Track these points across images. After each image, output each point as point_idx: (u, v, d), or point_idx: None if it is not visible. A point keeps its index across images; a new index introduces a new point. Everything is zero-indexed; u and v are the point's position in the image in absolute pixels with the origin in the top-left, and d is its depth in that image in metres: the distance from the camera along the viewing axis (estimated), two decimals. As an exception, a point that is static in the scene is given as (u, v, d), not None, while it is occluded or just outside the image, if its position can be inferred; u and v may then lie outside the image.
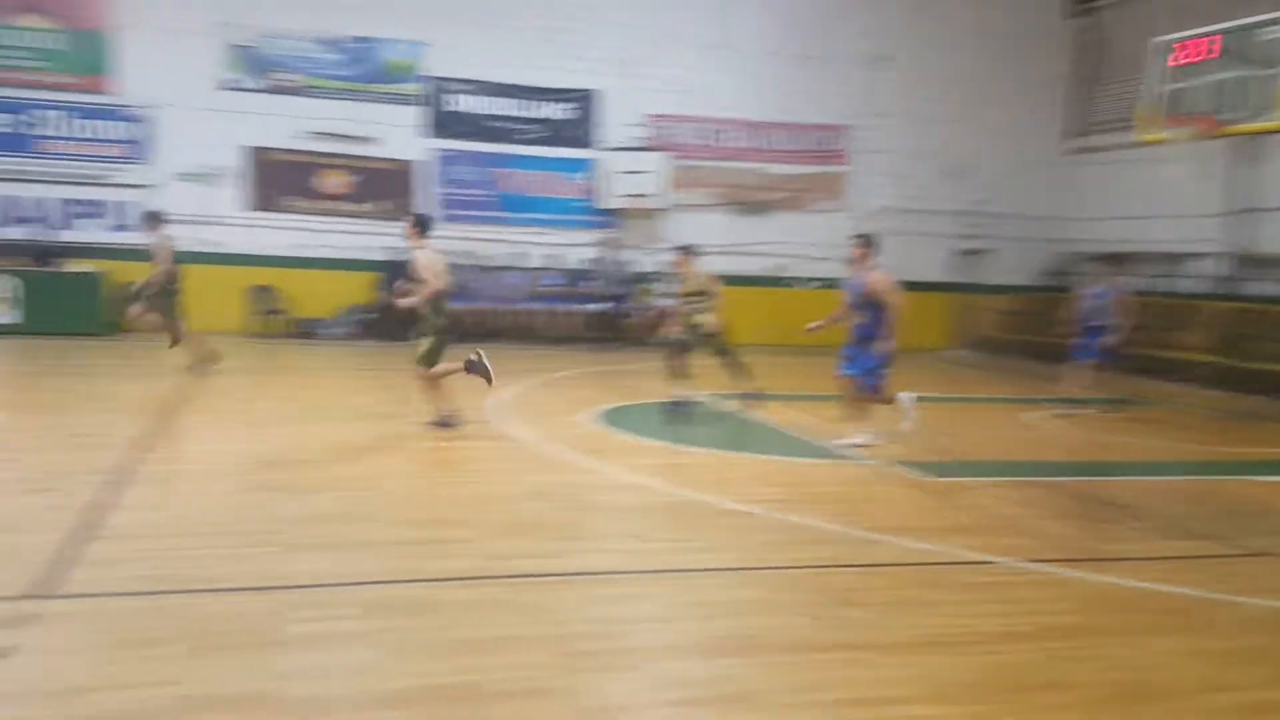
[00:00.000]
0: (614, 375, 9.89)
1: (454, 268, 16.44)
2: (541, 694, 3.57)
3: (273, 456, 7.37)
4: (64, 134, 15.35)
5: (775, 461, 7.84)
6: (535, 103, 17.32)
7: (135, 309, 11.54)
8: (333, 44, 16.41)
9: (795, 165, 18.42)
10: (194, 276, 15.58)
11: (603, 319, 16.98)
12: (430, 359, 8.43)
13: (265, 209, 16.19)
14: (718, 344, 10.20)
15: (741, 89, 17.89)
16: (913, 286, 18.40)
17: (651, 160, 17.16)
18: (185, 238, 15.68)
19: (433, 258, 8.46)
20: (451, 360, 8.62)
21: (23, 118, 15.14)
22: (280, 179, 16.19)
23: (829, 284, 15.84)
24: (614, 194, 17.08)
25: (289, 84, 16.22)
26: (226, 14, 15.72)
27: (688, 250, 10.47)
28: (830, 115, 18.41)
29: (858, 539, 5.73)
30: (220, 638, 3.93)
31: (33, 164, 15.18)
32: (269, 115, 15.97)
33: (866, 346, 8.06)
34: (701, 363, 10.19)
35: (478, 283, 16.63)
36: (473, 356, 8.67)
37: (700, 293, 10.11)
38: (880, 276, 8.03)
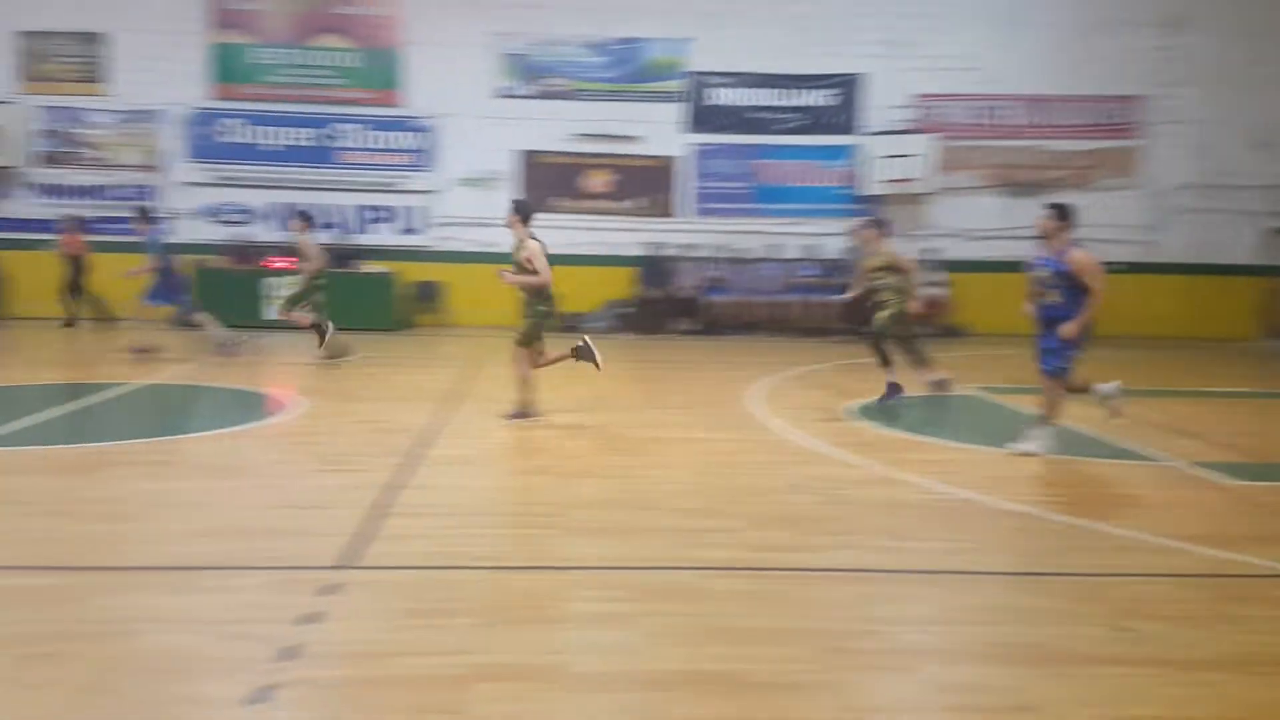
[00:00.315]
0: (869, 368, 9.60)
1: (709, 261, 16.96)
2: (806, 689, 3.51)
3: (542, 443, 7.73)
4: (360, 145, 16.83)
5: (1055, 460, 7.31)
6: (796, 91, 17.15)
7: (296, 313, 12.23)
8: (599, 47, 17.00)
9: (1080, 141, 17.16)
10: (472, 275, 16.79)
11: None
12: (527, 342, 8.47)
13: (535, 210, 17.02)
14: (902, 326, 9.50)
15: (1019, 63, 16.87)
16: (1216, 270, 17.02)
17: (918, 143, 16.54)
18: (464, 239, 16.97)
19: (536, 246, 8.40)
20: (557, 349, 8.68)
21: (325, 132, 16.75)
22: (549, 180, 16.97)
23: (1129, 267, 14.69)
24: (876, 180, 16.60)
25: (558, 88, 16.98)
26: (501, 25, 16.66)
27: (878, 224, 9.85)
28: (1120, 86, 17.00)
29: (1155, 546, 5.24)
30: (507, 612, 4.14)
31: (334, 174, 16.77)
32: (539, 120, 16.77)
33: (1055, 329, 7.19)
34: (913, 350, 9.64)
35: (733, 275, 16.71)
36: (579, 342, 8.69)
37: (886, 269, 9.47)
38: (1083, 254, 7.13)
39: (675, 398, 9.53)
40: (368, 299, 15.90)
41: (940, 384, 9.60)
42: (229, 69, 16.58)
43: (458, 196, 16.83)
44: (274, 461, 7.01)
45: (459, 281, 16.78)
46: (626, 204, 17.15)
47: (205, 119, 16.56)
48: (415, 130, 16.81)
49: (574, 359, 8.70)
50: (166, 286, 12.10)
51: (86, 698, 3.28)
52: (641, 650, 3.78)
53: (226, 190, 16.77)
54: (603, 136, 16.89)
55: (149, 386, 10.00)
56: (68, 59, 16.34)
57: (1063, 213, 7.21)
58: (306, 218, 12.31)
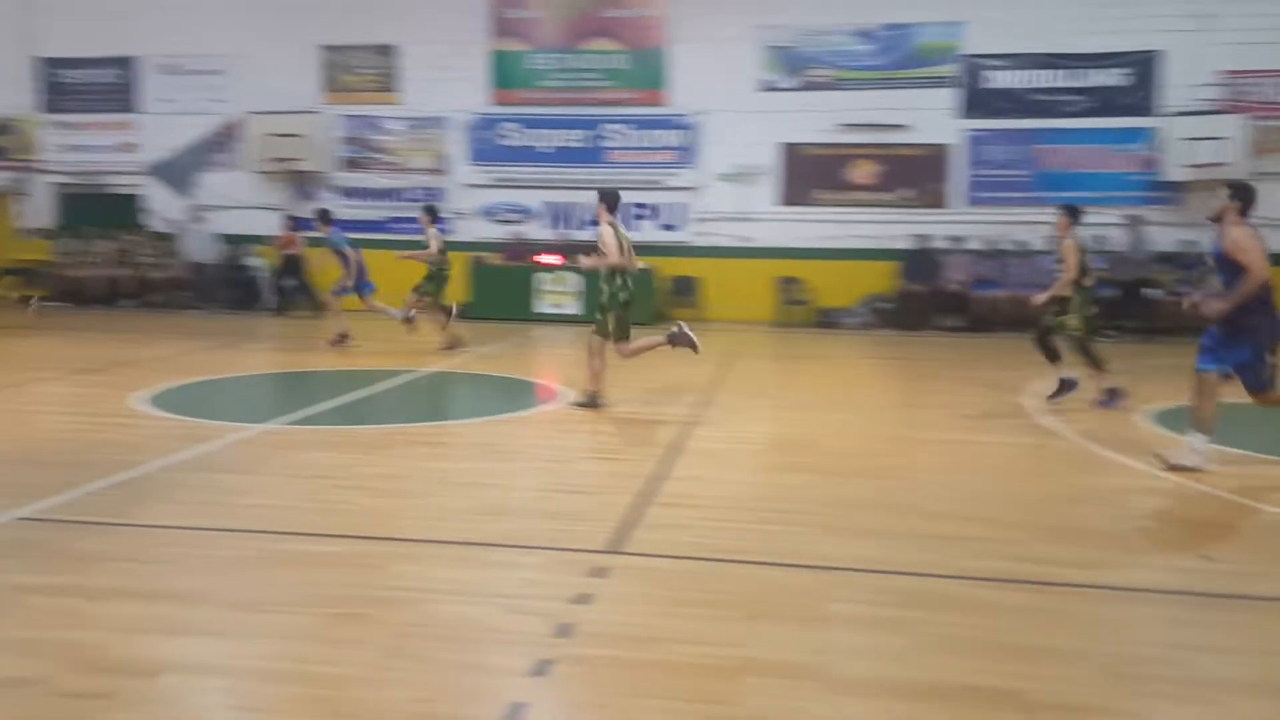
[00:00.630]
0: (1165, 369, 8.79)
1: (981, 254, 16.15)
2: (1094, 713, 3.25)
3: (800, 440, 7.65)
4: (626, 144, 17.34)
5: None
6: (1082, 71, 15.99)
7: (409, 297, 12.54)
8: (865, 35, 16.61)
9: None
10: (728, 270, 16.92)
11: (1128, 304, 14.94)
12: (603, 333, 8.56)
13: (795, 203, 16.88)
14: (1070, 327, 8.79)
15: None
16: None
17: (1225, 124, 14.98)
18: (722, 234, 17.13)
19: (605, 230, 8.48)
20: (649, 335, 8.73)
21: (594, 132, 17.39)
22: (811, 173, 16.78)
23: None
24: (1180, 164, 15.17)
25: (822, 79, 16.74)
26: (764, 19, 16.64)
27: (1070, 212, 9.03)
28: None
29: None
30: (770, 608, 4.13)
31: (602, 173, 17.36)
32: (802, 112, 16.60)
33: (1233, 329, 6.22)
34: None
35: (1007, 269, 15.82)
36: (674, 328, 8.62)
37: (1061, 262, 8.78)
38: (1241, 233, 6.22)
39: (941, 396, 9.14)
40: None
41: (1112, 394, 8.80)
42: (507, 75, 17.56)
43: (717, 192, 17.00)
44: (545, 447, 7.35)
45: (715, 276, 16.94)
46: (893, 195, 16.64)
47: (485, 124, 17.64)
48: (679, 128, 17.11)
49: (670, 345, 8.67)
50: (359, 279, 12.98)
51: (388, 659, 3.56)
52: (909, 658, 3.64)
53: (503, 191, 17.80)
54: (869, 126, 16.47)
55: (431, 374, 10.77)
56: (365, 70, 17.90)
57: (1235, 191, 6.44)
58: (431, 211, 12.86)
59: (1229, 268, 6.26)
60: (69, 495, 5.53)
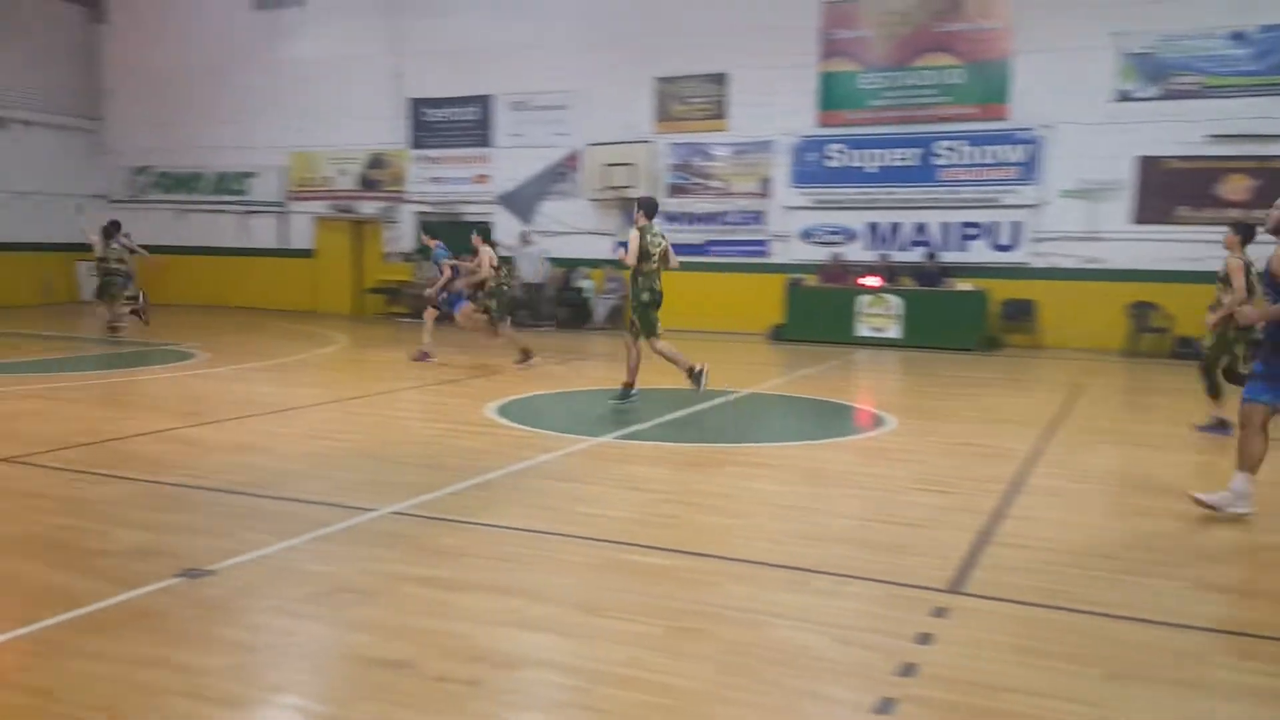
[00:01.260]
0: None
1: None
2: None
3: (1156, 482, 6.90)
4: (961, 161, 16.65)
5: None
6: None
7: (466, 308, 12.65)
8: (1239, 37, 14.89)
9: None
10: (1069, 293, 15.75)
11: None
12: (636, 334, 9.33)
13: (1152, 221, 15.42)
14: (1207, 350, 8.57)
15: None
16: None
17: None
18: (1063, 254, 15.98)
19: (633, 234, 9.14)
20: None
21: (925, 150, 16.84)
22: (1172, 189, 15.26)
23: None
24: None
25: (1187, 87, 15.19)
26: (1122, 24, 15.39)
27: (1240, 229, 8.42)
28: None
29: None
30: (1134, 667, 3.73)
31: (931, 192, 16.80)
32: (1163, 122, 15.17)
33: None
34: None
35: None
36: (698, 367, 9.32)
37: (1224, 281, 8.24)
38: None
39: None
40: (955, 318, 15.69)
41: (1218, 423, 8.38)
42: (834, 96, 17.44)
43: (1060, 209, 15.90)
44: (871, 475, 7.14)
45: (1053, 299, 15.86)
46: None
47: (810, 146, 17.62)
48: (1020, 142, 16.18)
49: (686, 375, 9.35)
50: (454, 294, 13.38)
51: (727, 676, 3.57)
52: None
53: (824, 212, 17.69)
54: (1243, 137, 14.74)
55: (749, 396, 10.84)
56: (695, 99, 18.47)
57: None
58: (484, 233, 12.98)
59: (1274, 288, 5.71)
60: (433, 494, 6.07)
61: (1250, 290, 7.90)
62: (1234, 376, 8.27)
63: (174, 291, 22.91)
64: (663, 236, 9.43)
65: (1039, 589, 4.59)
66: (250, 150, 22.17)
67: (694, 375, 9.38)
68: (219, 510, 5.73)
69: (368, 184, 21.31)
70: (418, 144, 20.82)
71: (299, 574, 4.62)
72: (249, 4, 21.80)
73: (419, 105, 20.68)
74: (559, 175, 19.60)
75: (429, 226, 14.10)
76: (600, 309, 18.83)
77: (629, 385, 9.38)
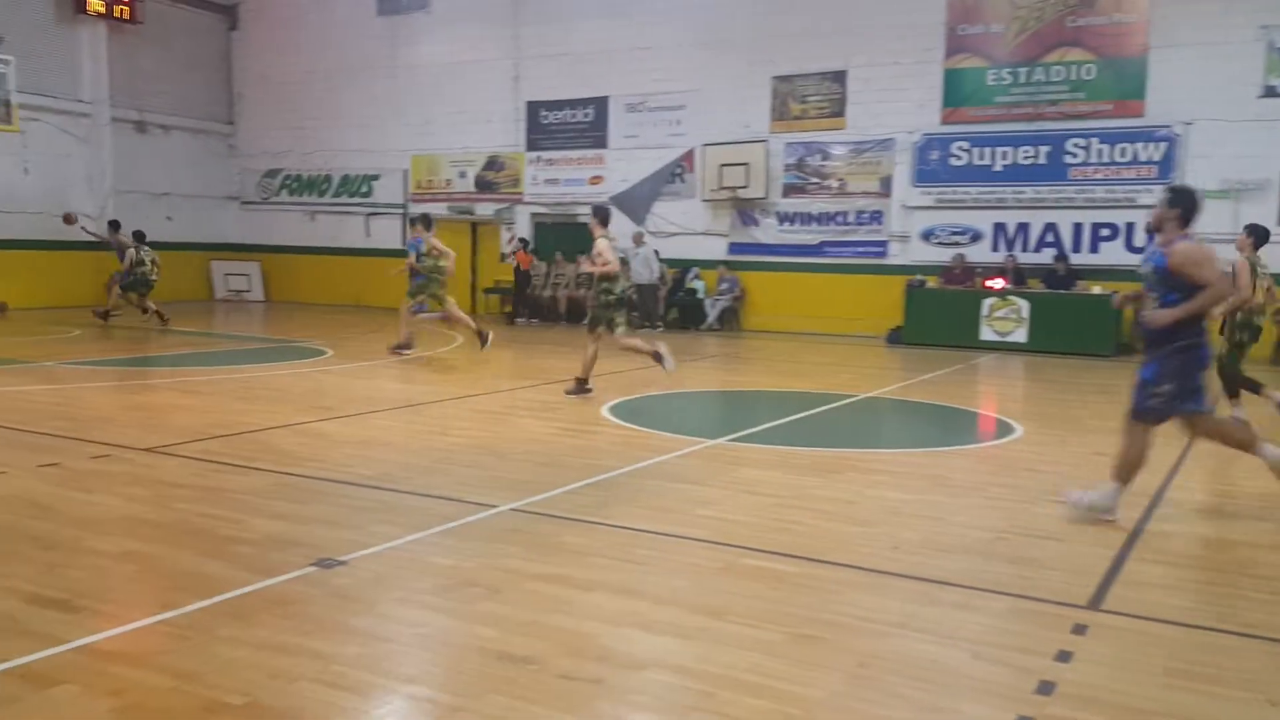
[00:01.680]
0: None
1: None
2: None
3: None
4: (1092, 160, 16.01)
5: None
6: None
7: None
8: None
9: None
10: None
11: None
12: (593, 327, 10.15)
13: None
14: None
15: None
16: None
17: None
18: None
19: (603, 244, 9.82)
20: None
21: (1054, 148, 16.24)
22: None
23: None
24: None
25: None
26: (1273, 16, 14.56)
27: (1254, 231, 8.84)
28: None
29: None
30: (1294, 698, 3.49)
31: (1059, 191, 16.20)
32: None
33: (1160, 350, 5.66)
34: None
35: None
36: (660, 347, 10.27)
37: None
38: (1189, 245, 5.54)
39: None
40: (1087, 322, 15.08)
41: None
42: (959, 93, 17.00)
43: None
44: (997, 484, 6.89)
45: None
46: None
47: (932, 144, 17.20)
48: (1157, 140, 15.48)
49: (653, 360, 10.20)
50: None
51: (855, 688, 3.47)
52: None
53: (947, 212, 17.24)
54: None
55: (866, 400, 10.62)
56: (813, 98, 18.22)
57: (1176, 198, 5.67)
58: (426, 220, 13.67)
59: (1170, 286, 5.57)
60: (552, 492, 6.11)
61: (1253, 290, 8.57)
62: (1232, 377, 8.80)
63: (303, 291, 23.82)
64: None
65: (1187, 608, 4.35)
66: (374, 153, 22.85)
67: (657, 357, 10.35)
68: (348, 502, 5.89)
69: (485, 186, 21.71)
70: (533, 146, 21.11)
71: (426, 567, 4.70)
72: (374, 10, 22.47)
73: (536, 108, 20.97)
74: (673, 176, 19.61)
75: (417, 218, 14.40)
76: (712, 310, 18.75)
77: (583, 380, 10.12)
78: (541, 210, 21.19)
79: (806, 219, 18.39)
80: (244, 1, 24.36)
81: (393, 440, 7.74)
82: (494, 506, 5.74)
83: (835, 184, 18.12)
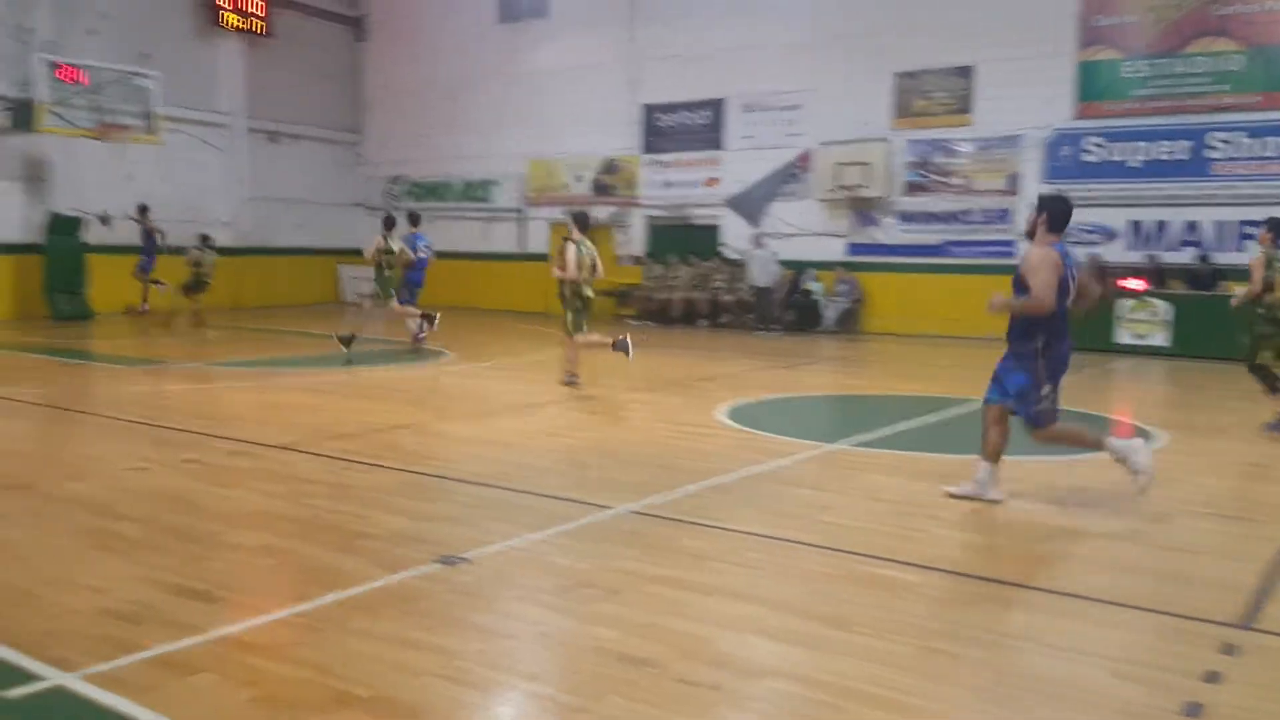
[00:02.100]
0: None
1: None
2: None
3: None
4: (1238, 155, 15.15)
5: None
6: None
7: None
8: None
9: None
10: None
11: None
12: (569, 331, 10.54)
13: None
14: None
15: None
16: None
17: None
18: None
19: (569, 248, 10.34)
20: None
21: (1196, 143, 15.43)
22: None
23: None
24: None
25: None
26: None
27: (1275, 226, 8.60)
28: None
29: None
30: None
31: (1203, 187, 15.37)
32: None
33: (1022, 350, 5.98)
34: None
35: None
36: (620, 336, 10.53)
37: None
38: (1037, 254, 5.84)
39: None
40: (1233, 325, 14.22)
41: None
42: (1093, 87, 16.31)
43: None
44: (1138, 498, 6.55)
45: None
46: None
47: (1064, 140, 16.55)
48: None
49: (612, 349, 10.42)
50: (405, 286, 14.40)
51: (986, 705, 3.34)
52: None
53: (1080, 210, 16.46)
54: None
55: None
56: (937, 94, 17.75)
57: (1043, 203, 6.07)
58: (388, 222, 14.47)
59: (1023, 286, 5.87)
60: (668, 495, 6.09)
61: (1270, 286, 8.53)
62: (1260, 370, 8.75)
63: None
64: (593, 248, 10.59)
65: (1352, 632, 4.04)
66: (492, 159, 23.29)
67: (619, 344, 10.53)
68: (469, 500, 5.98)
69: (601, 189, 21.89)
70: (649, 149, 21.17)
71: (545, 566, 4.73)
72: (495, 18, 22.92)
73: (652, 111, 21.03)
74: (789, 176, 19.39)
75: (412, 216, 15.68)
76: (830, 312, 18.46)
77: (573, 373, 10.70)
78: (657, 213, 21.23)
79: (929, 218, 17.94)
80: (371, 13, 25.18)
81: (510, 440, 7.84)
82: (610, 508, 5.75)
83: (960, 182, 17.62)
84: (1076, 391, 11.20)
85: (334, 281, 24.97)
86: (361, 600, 4.19)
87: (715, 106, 20.17)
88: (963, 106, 17.50)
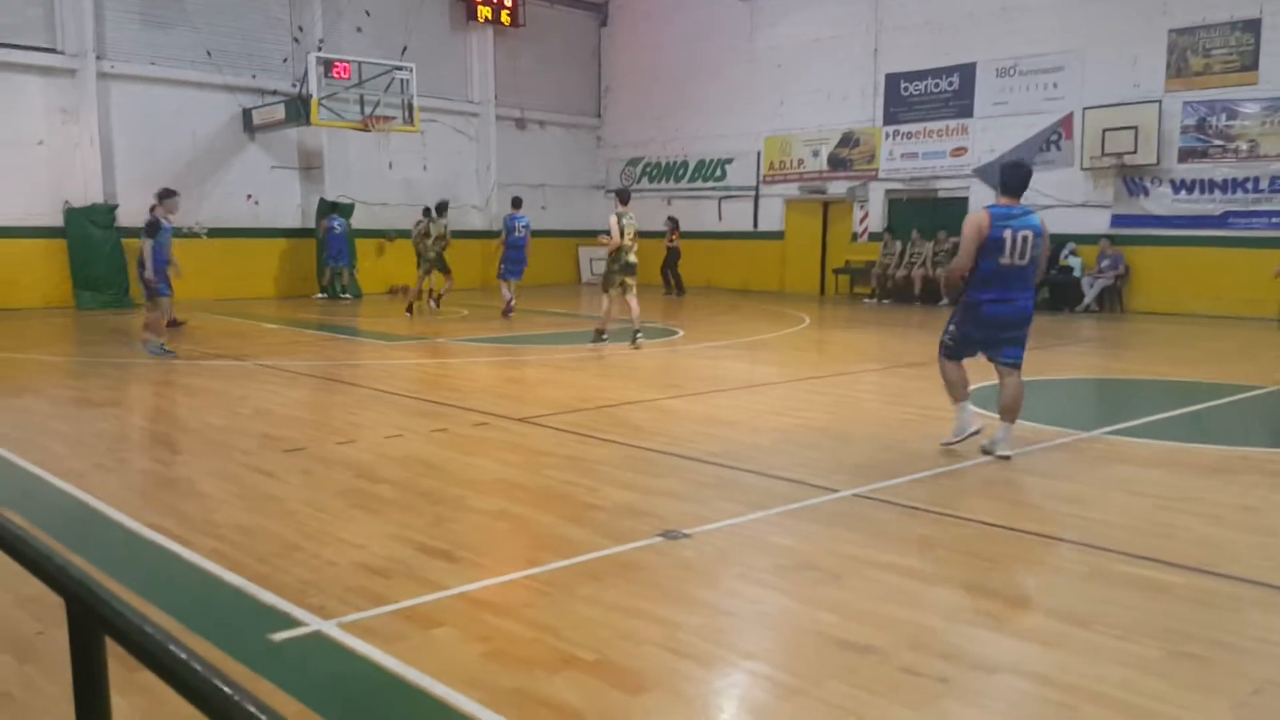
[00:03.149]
0: None
1: None
2: None
3: None
4: None
5: None
6: None
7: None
8: None
9: None
10: None
11: None
12: (605, 288, 12.45)
13: None
14: None
15: None
16: None
17: None
18: None
19: (611, 219, 11.94)
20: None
21: None
22: None
23: None
24: None
25: None
26: None
27: None
28: None
29: None
30: None
31: None
32: None
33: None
34: None
35: None
36: (604, 335, 12.46)
37: None
38: (970, 219, 6.46)
39: None
40: None
41: None
42: None
43: None
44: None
45: None
46: None
47: (1369, 95, 14.61)
48: None
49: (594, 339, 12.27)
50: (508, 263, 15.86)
51: (1240, 714, 3.02)
52: None
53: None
54: None
55: (1277, 392, 9.24)
56: (1218, 50, 16.09)
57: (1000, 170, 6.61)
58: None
59: None
60: (897, 480, 5.89)
61: None
62: None
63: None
64: (634, 220, 12.18)
65: None
66: (729, 137, 23.32)
67: (599, 335, 12.39)
68: (694, 477, 6.04)
69: (839, 164, 21.42)
70: (891, 119, 20.51)
71: (767, 546, 4.70)
72: (735, -3, 22.86)
73: (895, 80, 20.33)
74: (1047, 143, 18.19)
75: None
76: (1090, 289, 17.21)
77: (603, 328, 12.51)
78: (897, 186, 20.54)
79: (1208, 186, 16.34)
80: (614, -1, 25.79)
81: (737, 419, 7.84)
82: (835, 491, 5.64)
83: (1245, 146, 15.92)
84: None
85: (574, 262, 25.87)
86: (589, 568, 4.33)
87: (965, 72, 19.21)
88: (1249, 64, 15.78)
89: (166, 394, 9.24)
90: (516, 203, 16.72)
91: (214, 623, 3.76)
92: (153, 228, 11.34)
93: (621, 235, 11.95)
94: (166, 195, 11.74)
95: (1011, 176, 6.48)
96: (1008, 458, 6.36)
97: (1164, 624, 3.73)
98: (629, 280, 12.15)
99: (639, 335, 12.09)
